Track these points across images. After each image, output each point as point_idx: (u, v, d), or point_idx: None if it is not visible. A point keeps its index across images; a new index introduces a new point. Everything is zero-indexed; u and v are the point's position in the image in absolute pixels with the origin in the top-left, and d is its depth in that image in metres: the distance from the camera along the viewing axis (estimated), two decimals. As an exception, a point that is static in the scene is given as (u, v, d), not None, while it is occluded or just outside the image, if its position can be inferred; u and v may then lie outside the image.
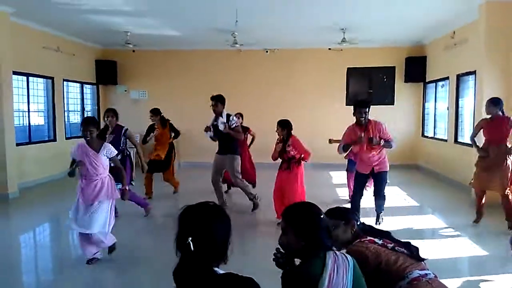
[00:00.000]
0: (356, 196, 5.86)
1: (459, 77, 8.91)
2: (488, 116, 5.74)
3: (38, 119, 9.66)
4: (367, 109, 5.44)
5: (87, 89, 11.64)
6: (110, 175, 4.60)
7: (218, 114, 6.69)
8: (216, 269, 1.64)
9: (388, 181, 5.91)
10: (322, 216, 2.04)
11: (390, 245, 2.45)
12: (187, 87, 11.84)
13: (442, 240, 5.43)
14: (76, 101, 11.14)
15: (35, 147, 9.15)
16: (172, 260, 1.63)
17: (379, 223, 5.90)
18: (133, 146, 6.84)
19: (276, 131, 5.97)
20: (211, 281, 1.60)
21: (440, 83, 10.21)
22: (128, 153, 6.42)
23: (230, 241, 1.67)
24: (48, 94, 9.74)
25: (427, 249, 4.07)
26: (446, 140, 9.64)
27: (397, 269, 2.33)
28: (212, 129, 6.71)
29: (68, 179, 4.65)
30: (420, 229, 5.96)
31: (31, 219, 6.63)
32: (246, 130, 8.13)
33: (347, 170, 7.51)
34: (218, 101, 6.64)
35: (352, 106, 5.65)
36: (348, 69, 11.71)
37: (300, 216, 2.04)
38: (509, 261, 4.56)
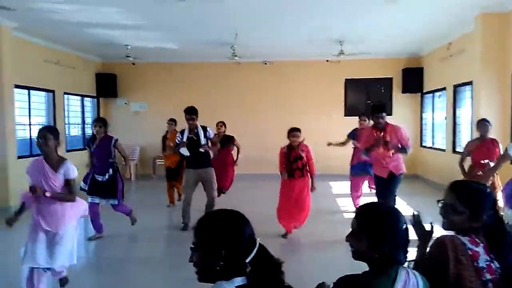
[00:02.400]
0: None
1: (456, 87, 9.02)
2: (476, 137, 5.83)
3: (39, 132, 9.69)
4: (383, 113, 5.53)
5: (88, 102, 11.72)
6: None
7: (194, 128, 6.22)
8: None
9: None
10: (404, 228, 1.65)
11: (486, 276, 1.74)
12: (186, 98, 11.79)
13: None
14: (77, 114, 11.22)
15: (36, 160, 9.16)
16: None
17: None
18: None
19: (292, 138, 5.77)
20: None
21: (437, 94, 10.33)
22: (117, 166, 6.03)
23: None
24: (49, 107, 9.82)
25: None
26: (444, 150, 9.71)
27: None
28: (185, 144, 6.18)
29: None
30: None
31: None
32: (231, 139, 8.05)
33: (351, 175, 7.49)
34: (195, 114, 6.18)
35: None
36: (346, 80, 11.84)
37: (382, 226, 1.63)
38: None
